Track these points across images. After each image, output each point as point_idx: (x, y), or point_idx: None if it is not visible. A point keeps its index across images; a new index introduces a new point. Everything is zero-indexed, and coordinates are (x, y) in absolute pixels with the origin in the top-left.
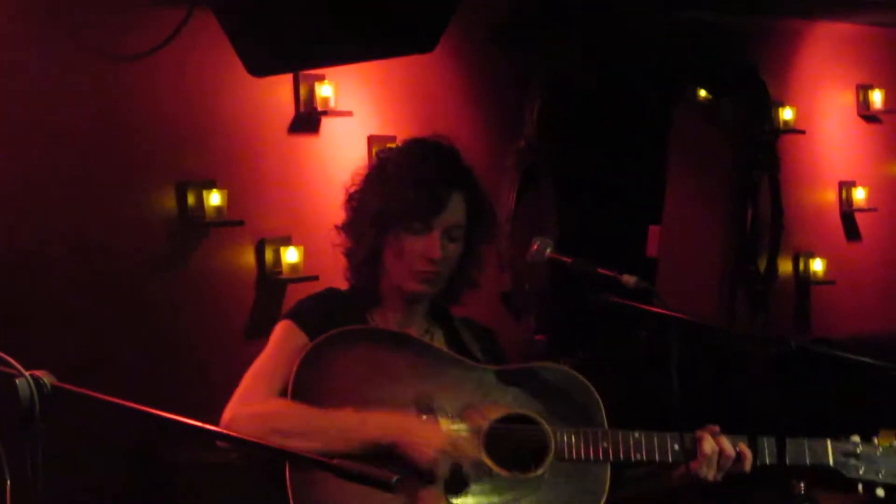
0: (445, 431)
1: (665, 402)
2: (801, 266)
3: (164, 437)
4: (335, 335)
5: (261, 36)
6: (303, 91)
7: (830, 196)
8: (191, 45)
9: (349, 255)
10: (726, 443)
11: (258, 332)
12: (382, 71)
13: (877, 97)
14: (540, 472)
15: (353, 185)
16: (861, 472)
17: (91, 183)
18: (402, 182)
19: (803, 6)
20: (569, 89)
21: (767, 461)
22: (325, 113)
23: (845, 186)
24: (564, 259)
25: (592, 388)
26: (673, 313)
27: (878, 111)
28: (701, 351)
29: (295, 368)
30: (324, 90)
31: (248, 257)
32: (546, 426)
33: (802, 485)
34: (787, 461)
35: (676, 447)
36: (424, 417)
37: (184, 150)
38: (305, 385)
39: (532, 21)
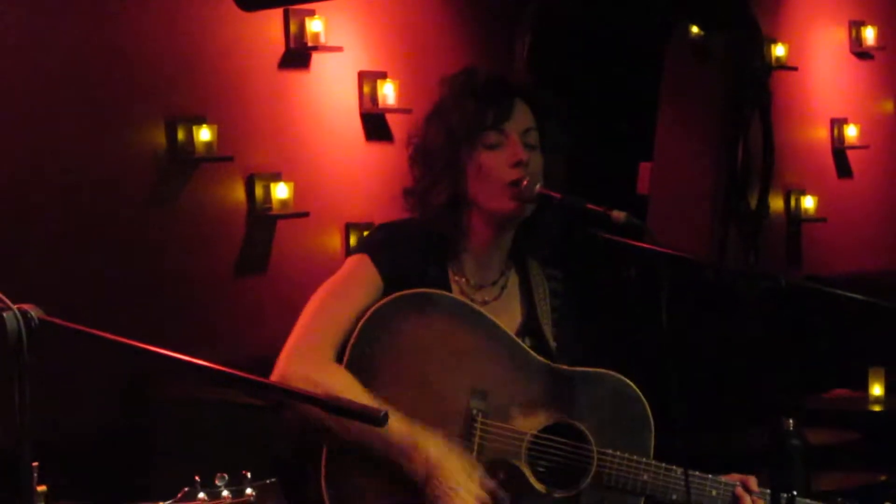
0: (484, 483)
1: (654, 339)
2: (793, 203)
3: (152, 372)
4: (407, 299)
5: None
6: (293, 26)
7: (822, 133)
8: None
9: (428, 207)
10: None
11: (248, 269)
12: (373, 6)
13: (869, 34)
14: (575, 492)
15: (410, 143)
16: None
17: (80, 118)
18: (461, 102)
19: None
20: (559, 25)
21: None
22: (315, 48)
23: (837, 123)
24: (553, 194)
25: (647, 409)
26: (662, 249)
27: (871, 48)
28: (691, 288)
29: (358, 328)
30: (314, 25)
31: (238, 193)
32: (593, 447)
33: (791, 421)
34: None
35: (714, 493)
36: (475, 412)
37: (174, 85)
38: (365, 347)
39: None
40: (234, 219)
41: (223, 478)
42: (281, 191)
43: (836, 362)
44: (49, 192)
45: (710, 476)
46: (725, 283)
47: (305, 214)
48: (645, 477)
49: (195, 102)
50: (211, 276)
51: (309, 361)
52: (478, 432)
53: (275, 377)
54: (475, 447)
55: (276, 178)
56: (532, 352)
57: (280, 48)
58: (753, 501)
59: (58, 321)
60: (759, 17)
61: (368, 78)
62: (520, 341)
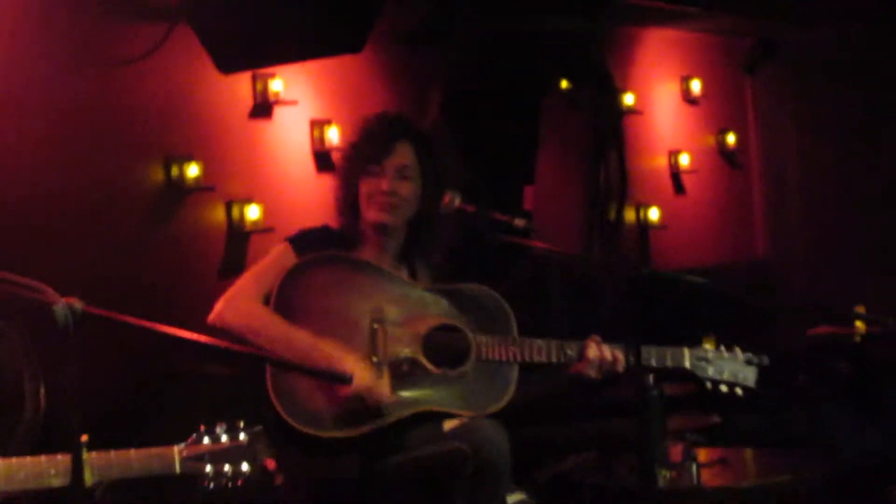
0: (370, 378)
1: (544, 319)
2: (642, 215)
3: (160, 350)
4: (313, 258)
5: (228, 41)
6: (259, 86)
7: (662, 161)
8: (173, 50)
9: (340, 216)
10: (606, 349)
11: (228, 274)
12: (321, 68)
13: (696, 85)
14: (463, 369)
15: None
16: (709, 373)
17: (97, 160)
18: (358, 139)
19: (640, 15)
20: (462, 81)
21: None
22: (276, 102)
23: (673, 154)
24: (469, 207)
25: (506, 304)
26: (554, 248)
27: (697, 96)
28: (570, 279)
29: (280, 280)
30: (275, 85)
31: (220, 215)
32: (469, 334)
33: (651, 376)
34: (653, 363)
35: (568, 352)
36: (375, 326)
37: (168, 132)
38: (286, 293)
39: (435, 29)
40: (216, 235)
41: (222, 426)
42: (253, 212)
43: (679, 333)
44: (74, 217)
45: (562, 342)
46: (594, 275)
47: (272, 230)
48: (514, 348)
49: (185, 145)
50: (199, 281)
51: (240, 302)
52: (380, 339)
53: (213, 315)
54: (381, 351)
55: (249, 202)
56: (414, 281)
57: (249, 102)
58: (599, 347)
59: (96, 310)
60: (613, 73)
61: (318, 124)
62: (405, 277)
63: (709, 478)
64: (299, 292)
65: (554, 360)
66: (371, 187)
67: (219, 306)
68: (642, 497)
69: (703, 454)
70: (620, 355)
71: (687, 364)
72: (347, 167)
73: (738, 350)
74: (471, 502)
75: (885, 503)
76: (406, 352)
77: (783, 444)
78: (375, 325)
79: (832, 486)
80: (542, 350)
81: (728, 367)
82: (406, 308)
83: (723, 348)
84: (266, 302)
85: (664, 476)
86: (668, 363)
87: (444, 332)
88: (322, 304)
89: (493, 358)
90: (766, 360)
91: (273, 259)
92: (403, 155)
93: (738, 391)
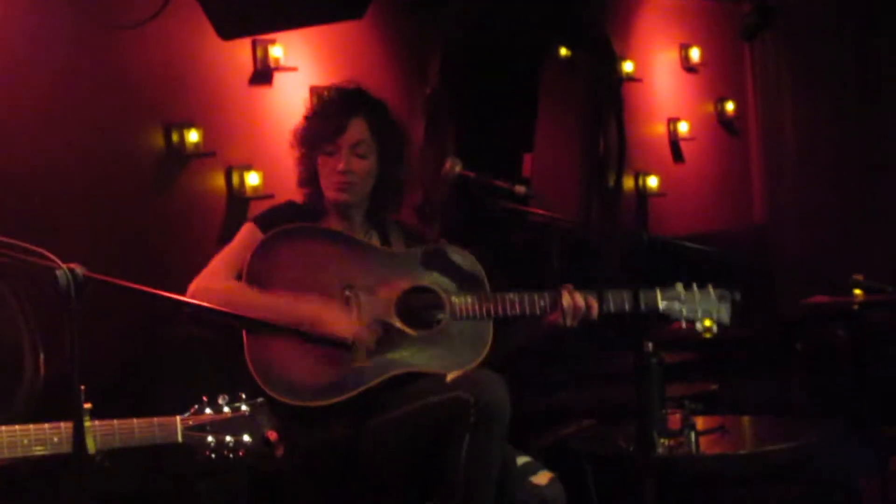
0: (356, 318)
1: (542, 282)
2: (640, 182)
3: (159, 314)
4: (281, 232)
5: (229, 7)
6: (259, 52)
7: (661, 129)
8: (174, 16)
9: (303, 191)
10: (579, 297)
11: (227, 238)
12: (322, 35)
13: (695, 53)
14: (438, 328)
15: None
16: (684, 313)
17: (97, 125)
18: (313, 118)
19: None
20: (461, 49)
21: (612, 309)
22: (276, 69)
23: (672, 121)
24: (470, 174)
25: (477, 262)
26: (553, 215)
27: (696, 64)
28: (569, 246)
29: (250, 256)
30: (275, 51)
31: (220, 181)
32: (441, 293)
33: (651, 345)
34: (627, 308)
35: (542, 303)
36: (347, 293)
37: (169, 98)
38: (256, 269)
39: None
40: (216, 201)
41: (224, 398)
42: (252, 178)
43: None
44: (75, 182)
45: (535, 294)
46: (594, 242)
47: (272, 196)
48: (487, 304)
49: (186, 111)
50: (199, 245)
51: (212, 283)
52: (353, 305)
53: (188, 293)
54: (355, 317)
55: (249, 168)
56: (383, 247)
57: (249, 68)
58: (572, 294)
59: (97, 276)
60: (612, 41)
61: (317, 91)
62: (373, 243)
63: (707, 445)
64: (269, 267)
65: (528, 311)
66: (327, 166)
67: (191, 287)
68: (640, 465)
69: (701, 422)
70: (594, 302)
71: (661, 305)
72: (304, 143)
73: (710, 287)
74: (473, 450)
75: (883, 474)
76: (381, 316)
77: (781, 412)
78: (348, 292)
79: (828, 454)
80: (515, 303)
81: (701, 306)
82: (378, 273)
83: (694, 287)
84: (237, 280)
85: (662, 444)
86: (642, 306)
87: (417, 295)
88: (293, 276)
89: (468, 315)
90: (737, 295)
91: (240, 240)
92: (357, 132)
93: (714, 328)
